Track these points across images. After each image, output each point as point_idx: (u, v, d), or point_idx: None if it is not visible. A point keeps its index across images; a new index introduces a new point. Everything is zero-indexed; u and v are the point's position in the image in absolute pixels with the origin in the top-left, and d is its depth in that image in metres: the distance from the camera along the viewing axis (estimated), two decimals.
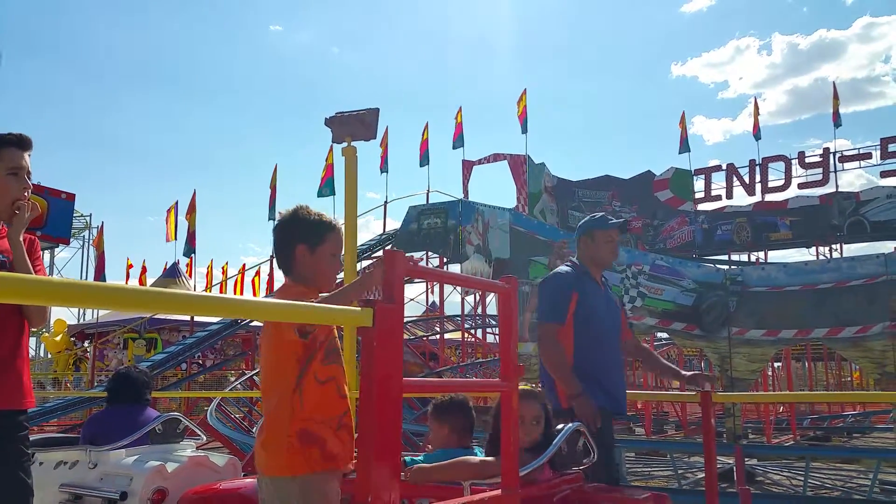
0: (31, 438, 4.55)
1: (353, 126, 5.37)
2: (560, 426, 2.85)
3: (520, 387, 2.28)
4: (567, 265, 3.91)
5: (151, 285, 25.04)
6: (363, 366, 1.80)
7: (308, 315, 1.71)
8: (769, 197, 22.83)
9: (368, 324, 1.73)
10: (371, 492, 1.67)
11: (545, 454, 2.60)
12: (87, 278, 31.33)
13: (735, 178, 23.44)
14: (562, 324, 3.65)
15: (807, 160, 22.60)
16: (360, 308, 1.74)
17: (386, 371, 1.74)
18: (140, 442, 3.96)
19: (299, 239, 2.43)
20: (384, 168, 21.47)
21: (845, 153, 22.64)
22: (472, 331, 21.16)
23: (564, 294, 3.69)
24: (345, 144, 5.44)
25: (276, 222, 2.57)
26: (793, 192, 22.64)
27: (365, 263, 18.67)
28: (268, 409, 2.37)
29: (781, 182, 22.80)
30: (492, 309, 21.61)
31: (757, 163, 23.05)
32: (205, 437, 4.41)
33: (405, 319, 21.64)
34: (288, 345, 2.28)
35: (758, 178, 22.88)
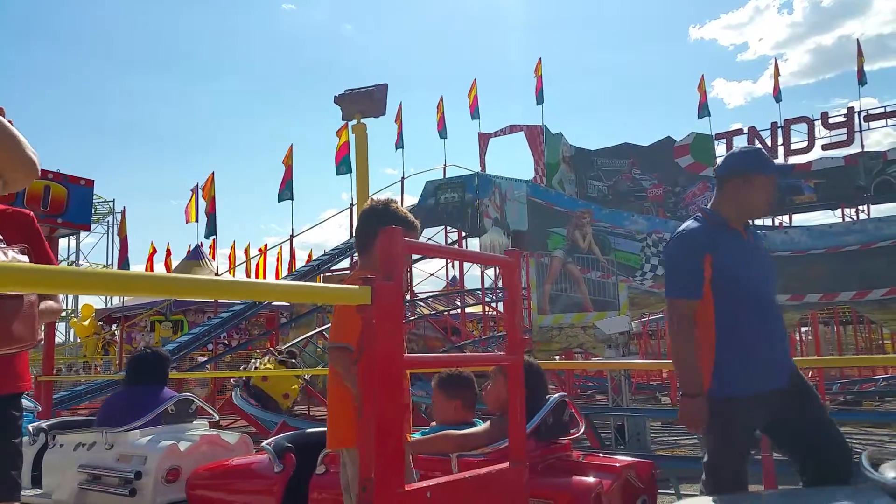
0: (51, 421, 4.65)
1: (363, 103, 5.33)
2: (548, 396, 2.86)
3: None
4: (695, 218, 3.02)
5: (175, 268, 25.31)
6: (364, 343, 1.78)
7: (309, 295, 1.68)
8: (792, 159, 22.44)
9: (367, 301, 1.71)
10: (375, 468, 1.66)
11: (529, 424, 2.60)
12: (112, 263, 31.74)
13: (757, 141, 23.06)
14: (695, 299, 2.82)
15: (830, 120, 22.17)
16: (358, 287, 1.71)
17: (386, 347, 1.72)
18: (154, 422, 4.01)
19: (369, 236, 2.58)
20: (399, 144, 21.37)
21: (871, 112, 22.16)
22: (493, 304, 21.16)
23: (695, 259, 2.86)
24: (355, 122, 5.41)
25: (368, 207, 2.72)
26: (817, 153, 22.26)
27: None
28: (331, 392, 2.55)
29: (805, 144, 22.42)
30: None
31: (779, 125, 22.65)
32: (217, 416, 4.47)
33: (426, 294, 21.74)
34: (357, 333, 2.36)
35: (780, 140, 22.50)
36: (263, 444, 3.33)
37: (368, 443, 1.69)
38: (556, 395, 2.92)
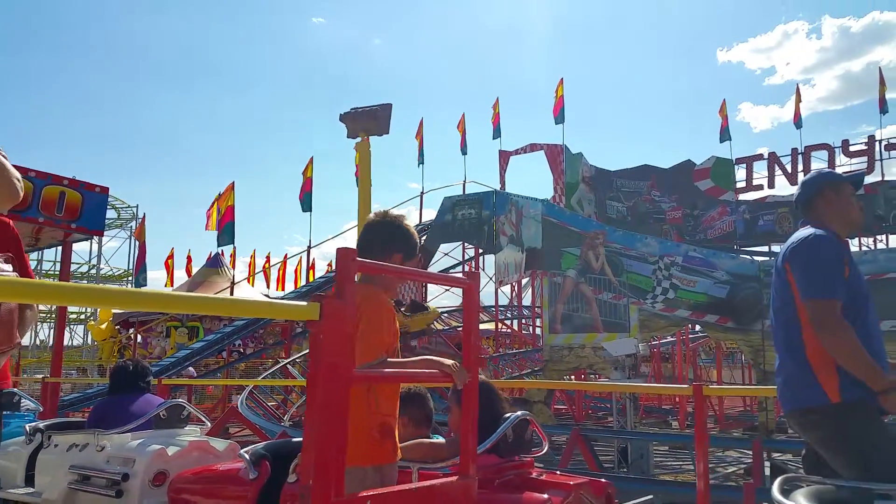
0: (49, 422, 4.78)
1: (367, 121, 5.46)
2: (508, 414, 2.93)
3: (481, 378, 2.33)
4: (814, 227, 2.84)
5: (195, 275, 25.61)
6: (310, 357, 1.87)
7: (258, 309, 1.77)
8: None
9: (315, 317, 1.80)
10: (313, 476, 1.74)
11: (487, 441, 2.67)
12: (132, 267, 32.11)
13: (777, 167, 22.93)
14: (841, 301, 2.65)
15: (851, 148, 22.00)
16: (307, 304, 1.80)
17: (332, 362, 1.80)
18: (146, 426, 4.12)
19: (398, 248, 2.57)
20: (420, 159, 21.57)
21: (892, 141, 21.96)
22: (508, 321, 21.17)
23: (839, 263, 2.71)
24: (359, 139, 5.54)
25: (376, 221, 2.65)
26: None
27: None
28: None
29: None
30: (527, 300, 21.60)
31: (799, 151, 22.51)
32: (209, 424, 4.56)
33: (441, 310, 21.79)
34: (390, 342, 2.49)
35: (800, 166, 22.33)
36: (240, 451, 3.42)
37: (308, 452, 1.77)
38: (517, 413, 2.99)
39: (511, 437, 2.88)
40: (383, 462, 2.40)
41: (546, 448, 3.04)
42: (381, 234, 2.59)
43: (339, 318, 1.82)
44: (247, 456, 3.25)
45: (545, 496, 2.66)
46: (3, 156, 1.89)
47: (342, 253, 1.90)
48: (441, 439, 3.02)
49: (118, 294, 1.68)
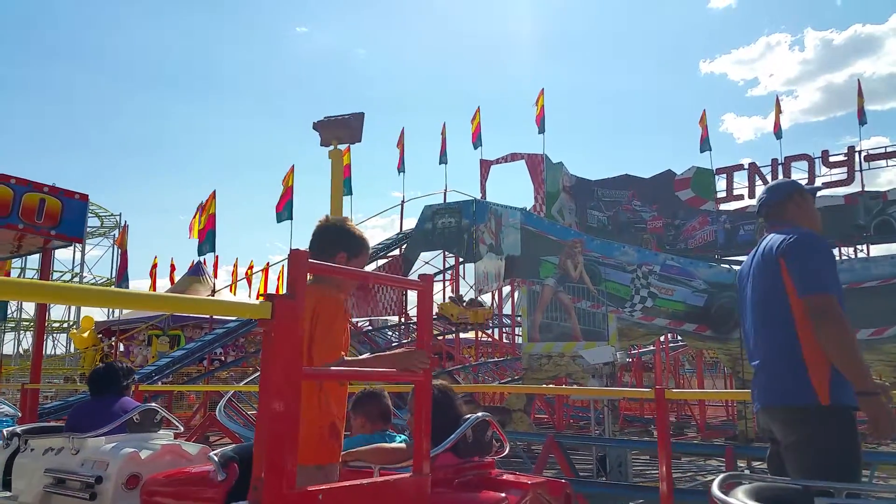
0: (26, 426, 4.83)
1: (340, 130, 5.57)
2: (469, 416, 3.02)
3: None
4: (796, 229, 2.84)
5: (177, 283, 25.54)
6: (262, 355, 1.96)
7: (212, 308, 1.86)
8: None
9: (267, 316, 1.89)
10: (265, 469, 1.83)
11: (445, 442, 2.77)
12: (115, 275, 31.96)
13: (757, 178, 23.23)
14: (839, 296, 2.64)
15: (831, 159, 22.34)
16: (259, 302, 1.89)
17: (283, 360, 1.89)
18: (119, 430, 4.18)
19: (342, 247, 2.70)
20: (401, 168, 21.68)
21: (871, 152, 22.31)
22: (489, 330, 21.24)
23: (833, 261, 2.74)
24: (332, 147, 5.63)
25: (323, 225, 2.80)
26: None
27: (381, 262, 18.98)
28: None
29: (805, 181, 22.55)
30: (507, 309, 21.70)
31: (780, 162, 22.83)
32: (181, 427, 4.63)
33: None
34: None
35: (780, 176, 22.64)
36: (209, 454, 3.49)
37: (260, 446, 1.86)
38: (476, 414, 3.08)
39: (471, 437, 2.98)
40: (328, 462, 2.50)
41: (507, 450, 3.13)
42: (327, 235, 2.73)
43: (291, 317, 1.91)
44: (215, 458, 3.33)
45: (502, 495, 2.75)
46: None
47: (294, 254, 2.00)
48: (402, 440, 3.11)
49: (67, 290, 1.77)
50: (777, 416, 2.71)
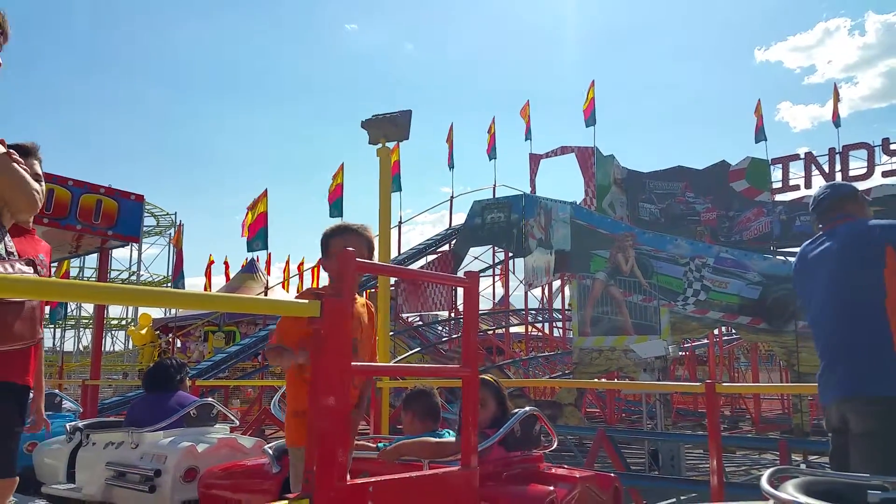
0: (87, 422, 5.01)
1: (387, 128, 5.59)
2: (517, 410, 3.03)
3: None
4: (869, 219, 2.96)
5: (231, 280, 26.09)
6: (312, 351, 2.00)
7: (262, 307, 1.91)
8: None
9: (317, 314, 1.93)
10: (317, 462, 1.87)
11: (494, 436, 2.77)
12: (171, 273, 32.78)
13: (814, 167, 22.57)
14: None
15: (892, 147, 21.58)
16: (308, 301, 1.93)
17: (333, 356, 1.93)
18: (177, 424, 4.31)
19: (322, 253, 2.79)
20: (451, 164, 21.71)
21: None
22: (539, 324, 21.16)
23: None
24: (380, 145, 5.68)
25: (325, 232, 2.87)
26: (876, 180, 21.63)
27: (431, 257, 19.03)
28: (287, 396, 2.77)
29: (864, 170, 21.84)
30: (558, 303, 21.57)
31: (837, 151, 22.14)
32: (237, 422, 4.74)
33: None
34: (295, 338, 2.58)
35: (838, 166, 21.97)
36: (264, 447, 3.58)
37: (311, 440, 1.90)
38: (524, 409, 3.09)
39: (519, 432, 2.98)
40: (303, 445, 2.53)
41: (555, 444, 3.13)
42: (324, 240, 2.81)
43: (339, 315, 1.94)
44: (270, 451, 3.41)
45: (550, 488, 2.75)
46: (24, 167, 2.05)
47: (342, 255, 2.04)
48: (451, 436, 3.13)
49: (120, 291, 1.83)
50: (859, 407, 2.64)
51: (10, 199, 2.05)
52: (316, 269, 28.94)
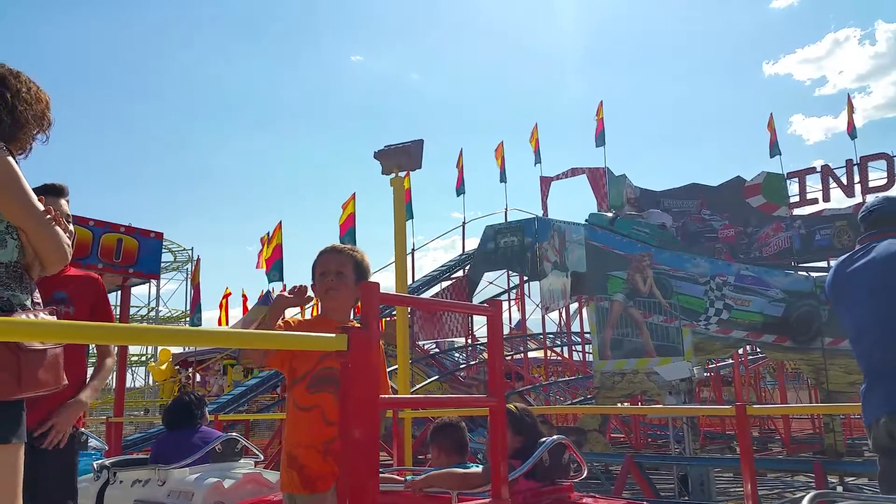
0: (114, 459, 5.01)
1: (400, 158, 5.61)
2: (544, 439, 2.97)
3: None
4: None
5: (248, 312, 26.15)
6: (341, 386, 1.97)
7: (288, 342, 1.89)
8: (870, 198, 21.63)
9: (344, 348, 1.90)
10: (350, 496, 1.84)
11: (523, 466, 2.72)
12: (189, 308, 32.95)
13: (831, 180, 22.38)
14: None
15: None
16: (335, 335, 1.91)
17: (361, 390, 1.90)
18: (203, 460, 4.29)
19: (312, 276, 2.75)
20: (460, 189, 21.76)
21: None
22: (558, 348, 21.01)
23: None
24: (393, 175, 5.70)
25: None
26: None
27: (444, 284, 19.00)
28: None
29: (884, 181, 21.61)
30: (576, 326, 21.43)
31: (854, 162, 21.96)
32: (261, 456, 4.71)
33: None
34: (283, 367, 2.58)
35: (856, 178, 21.76)
36: None
37: (344, 472, 1.87)
38: (552, 437, 3.04)
39: (548, 461, 2.93)
40: (291, 492, 2.46)
41: (585, 472, 3.07)
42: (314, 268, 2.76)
43: (366, 347, 1.92)
44: None
45: None
46: (55, 221, 2.08)
47: (366, 287, 2.02)
48: (478, 468, 3.09)
49: (144, 331, 1.82)
50: None
51: (44, 255, 2.07)
52: None
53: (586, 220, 15.42)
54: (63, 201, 2.66)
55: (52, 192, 2.63)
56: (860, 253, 2.90)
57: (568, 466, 3.07)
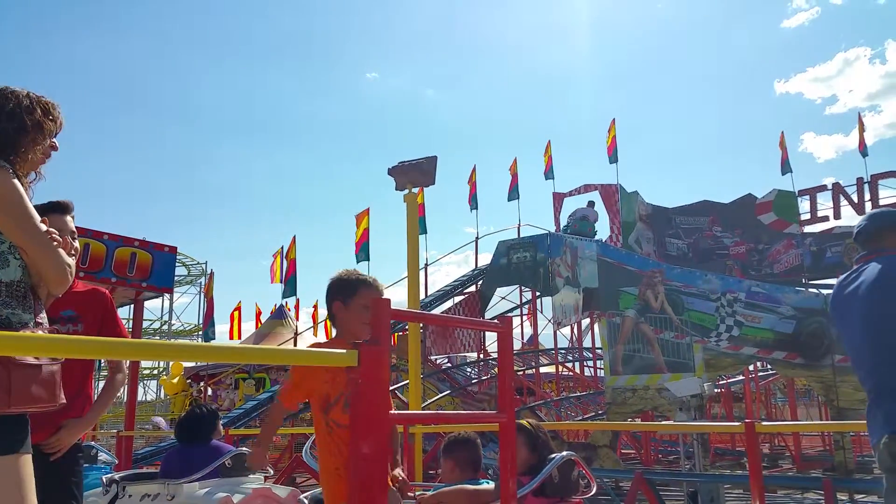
0: (123, 473, 5.04)
1: (413, 174, 5.66)
2: (553, 455, 2.98)
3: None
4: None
5: (261, 326, 26.22)
6: (352, 401, 2.00)
7: (300, 358, 1.92)
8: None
9: (354, 364, 1.94)
10: None
11: (531, 483, 2.74)
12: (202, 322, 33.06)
13: (842, 198, 22.31)
14: None
15: None
16: (346, 351, 1.94)
17: (371, 405, 1.93)
18: (212, 475, 4.30)
19: (335, 295, 2.79)
20: (473, 205, 21.80)
21: None
22: (570, 364, 20.93)
23: None
24: (406, 191, 5.75)
25: (329, 282, 2.90)
26: None
27: (458, 299, 19.00)
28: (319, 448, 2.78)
29: (895, 199, 21.53)
30: (588, 342, 21.38)
31: (865, 180, 21.89)
32: (271, 471, 4.73)
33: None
34: (314, 396, 2.67)
35: (867, 195, 21.69)
36: (300, 497, 3.57)
37: (353, 489, 1.90)
38: (561, 453, 3.05)
39: (557, 477, 2.94)
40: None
41: (594, 489, 3.08)
42: (326, 292, 2.84)
43: (377, 363, 1.95)
44: (306, 502, 3.40)
45: None
46: (58, 242, 2.11)
47: (376, 303, 2.05)
48: (490, 484, 3.10)
49: (151, 346, 1.87)
50: None
51: (44, 276, 2.10)
52: None
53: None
54: (68, 218, 2.70)
55: (57, 209, 2.67)
56: (853, 275, 2.92)
57: (577, 483, 3.08)
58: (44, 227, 2.08)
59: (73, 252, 2.20)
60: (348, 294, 2.75)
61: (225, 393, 22.42)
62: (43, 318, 2.13)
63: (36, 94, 2.22)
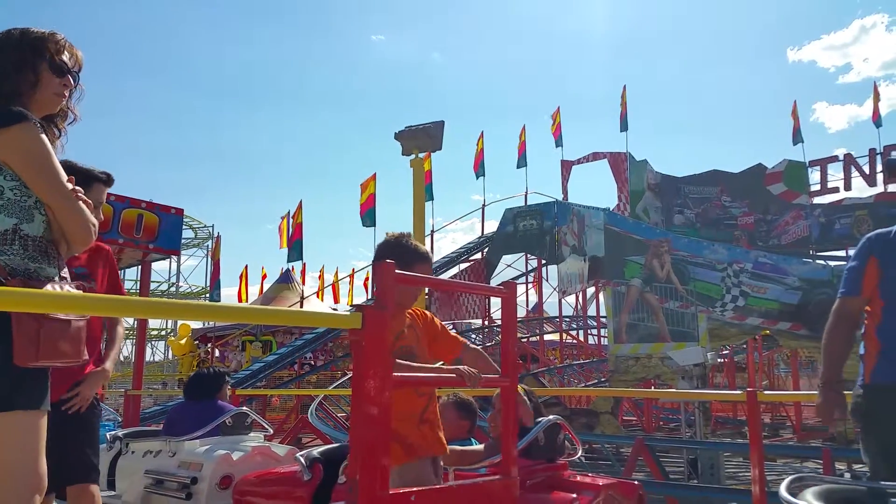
0: (126, 431, 5.13)
1: (420, 139, 5.62)
2: (540, 419, 3.03)
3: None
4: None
5: (267, 290, 26.38)
6: (354, 363, 2.01)
7: (303, 319, 1.92)
8: (892, 187, 21.38)
9: (358, 326, 1.94)
10: (360, 471, 1.88)
11: (518, 444, 2.78)
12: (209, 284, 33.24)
13: (853, 169, 22.12)
14: (852, 296, 2.91)
15: None
16: (349, 313, 1.95)
17: (374, 367, 1.94)
18: (213, 433, 4.37)
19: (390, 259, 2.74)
20: (479, 171, 21.69)
21: None
22: (574, 332, 21.01)
23: (857, 263, 2.98)
24: (413, 156, 5.72)
25: (382, 243, 2.89)
26: None
27: (463, 266, 19.03)
28: None
29: None
30: (592, 310, 21.42)
31: (878, 151, 21.68)
32: (271, 430, 4.79)
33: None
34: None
35: (878, 167, 21.51)
36: (296, 455, 3.63)
37: (355, 450, 1.91)
38: (548, 417, 3.10)
39: (543, 440, 3.00)
40: (396, 464, 2.47)
41: (580, 452, 3.14)
42: (382, 252, 2.79)
43: (380, 326, 1.95)
44: (302, 459, 3.45)
45: (573, 495, 2.75)
46: (84, 199, 2.11)
47: (381, 267, 2.05)
48: (478, 445, 3.15)
49: (159, 305, 1.87)
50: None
51: (69, 233, 2.11)
52: (351, 278, 29.13)
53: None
54: (104, 189, 2.75)
55: (99, 179, 2.72)
56: None
57: (563, 446, 3.14)
58: (70, 186, 2.08)
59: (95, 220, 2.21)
60: (404, 264, 2.73)
61: (232, 354, 22.64)
62: (66, 272, 2.15)
63: (37, 29, 2.14)
